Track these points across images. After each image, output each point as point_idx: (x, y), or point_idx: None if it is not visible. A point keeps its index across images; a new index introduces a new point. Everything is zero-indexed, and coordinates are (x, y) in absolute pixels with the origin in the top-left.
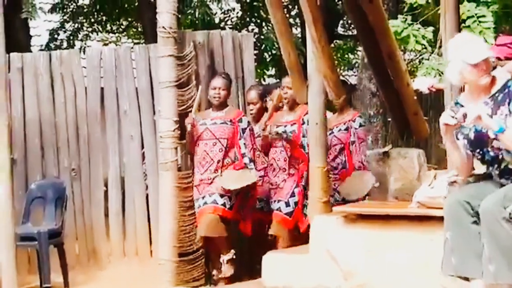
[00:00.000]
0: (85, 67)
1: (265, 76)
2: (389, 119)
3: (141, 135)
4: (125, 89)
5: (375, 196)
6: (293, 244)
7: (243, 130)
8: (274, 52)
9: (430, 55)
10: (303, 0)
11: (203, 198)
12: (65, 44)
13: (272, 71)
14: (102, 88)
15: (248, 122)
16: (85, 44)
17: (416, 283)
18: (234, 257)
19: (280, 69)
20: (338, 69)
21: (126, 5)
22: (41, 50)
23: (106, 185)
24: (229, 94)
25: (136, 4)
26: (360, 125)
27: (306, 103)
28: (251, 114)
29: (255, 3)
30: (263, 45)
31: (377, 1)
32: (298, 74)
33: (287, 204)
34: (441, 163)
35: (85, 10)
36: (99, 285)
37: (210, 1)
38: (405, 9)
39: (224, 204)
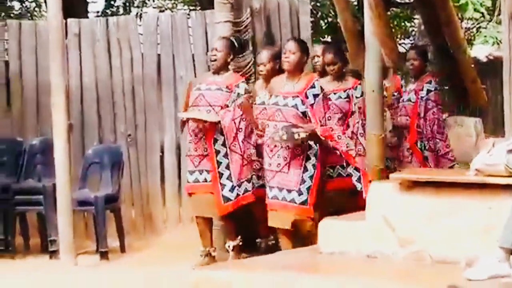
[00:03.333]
0: (141, 34)
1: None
2: (446, 87)
3: None
4: (181, 55)
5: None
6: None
7: (238, 95)
8: (330, 19)
9: (488, 23)
10: None
11: (195, 173)
12: (121, 11)
13: (328, 39)
14: (158, 54)
15: (246, 89)
16: (141, 10)
17: (473, 251)
18: (241, 243)
19: (336, 36)
20: (395, 37)
21: None
22: (97, 16)
23: (162, 150)
24: (228, 56)
25: None
26: (362, 94)
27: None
28: (260, 74)
29: None
30: (319, 13)
31: None
32: (355, 41)
33: (300, 193)
34: (499, 131)
35: None
36: (155, 251)
37: None
38: None
39: None
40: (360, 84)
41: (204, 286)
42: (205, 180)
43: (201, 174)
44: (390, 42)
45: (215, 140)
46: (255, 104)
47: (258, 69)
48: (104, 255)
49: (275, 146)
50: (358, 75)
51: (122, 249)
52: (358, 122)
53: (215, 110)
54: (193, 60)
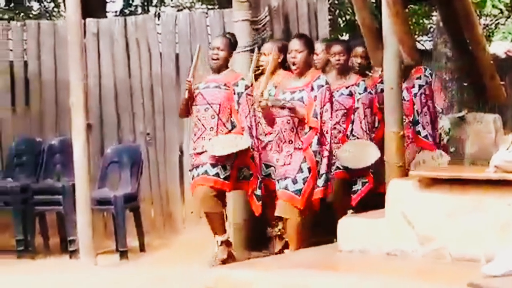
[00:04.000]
0: (159, 33)
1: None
2: (465, 84)
3: None
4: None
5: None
6: (304, 226)
7: (239, 95)
8: (348, 17)
9: (507, 20)
10: None
11: (196, 168)
12: (139, 10)
13: (346, 37)
14: (177, 54)
15: (246, 85)
16: (160, 9)
17: (493, 248)
18: (229, 239)
19: (354, 34)
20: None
21: None
22: (116, 16)
23: (181, 150)
24: (230, 55)
25: None
26: (365, 90)
27: (362, 70)
28: (262, 66)
29: None
30: (337, 11)
31: None
32: (373, 39)
33: (294, 181)
34: None
35: None
36: (175, 250)
37: None
38: None
39: (217, 175)
40: (363, 80)
41: (223, 284)
42: (206, 173)
43: (196, 169)
44: (409, 40)
45: None
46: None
47: (261, 60)
48: (123, 254)
49: (281, 141)
50: (363, 72)
51: (142, 248)
52: (364, 118)
53: (212, 108)
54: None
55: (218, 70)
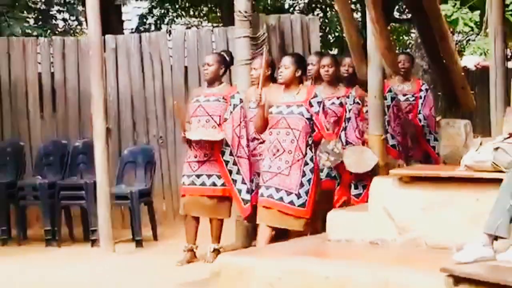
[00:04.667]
0: (171, 48)
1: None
2: (439, 93)
3: None
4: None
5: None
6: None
7: (234, 106)
8: (337, 34)
9: (477, 36)
10: None
11: (192, 176)
12: (153, 28)
13: (335, 51)
14: (185, 66)
15: (241, 99)
16: (171, 27)
17: (463, 238)
18: (221, 249)
19: (342, 49)
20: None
21: None
22: (131, 32)
23: None
24: (220, 69)
25: None
26: (353, 101)
27: (341, 82)
28: (252, 79)
29: None
30: (328, 28)
31: None
32: (359, 53)
33: (299, 196)
34: (486, 132)
35: None
36: (184, 239)
37: None
38: None
39: (213, 184)
40: (351, 93)
41: (227, 270)
42: (203, 184)
43: (198, 178)
44: (390, 54)
45: (223, 153)
46: (249, 108)
47: (251, 74)
48: (139, 243)
49: (278, 151)
50: (351, 81)
51: (155, 237)
52: (357, 127)
53: (213, 119)
54: None
55: (211, 83)
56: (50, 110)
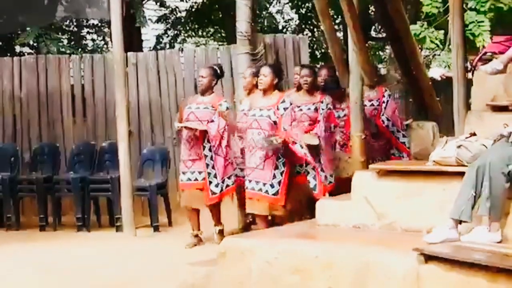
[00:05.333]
0: (183, 63)
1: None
2: (411, 100)
3: None
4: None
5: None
6: (287, 216)
7: (219, 113)
8: (323, 50)
9: (441, 51)
10: (346, 12)
11: (188, 173)
12: (167, 46)
13: (321, 64)
14: (195, 79)
15: (227, 107)
16: (183, 45)
17: (432, 222)
18: (222, 229)
19: (328, 63)
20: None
21: (212, 17)
22: (150, 50)
23: None
24: (213, 81)
25: (220, 15)
26: (326, 106)
27: (319, 90)
28: (244, 86)
29: (309, 14)
30: (315, 45)
31: (402, 10)
32: (342, 66)
33: (272, 186)
34: (450, 132)
35: (182, 21)
36: None
37: (275, 13)
38: (423, 17)
39: (204, 179)
40: (326, 99)
41: (232, 250)
42: (196, 180)
43: (192, 174)
44: (368, 67)
45: (204, 147)
46: (241, 111)
47: (242, 82)
48: (156, 228)
49: (253, 148)
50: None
51: (170, 223)
52: (322, 128)
53: (203, 123)
54: (221, 82)
55: (203, 93)
56: (81, 116)
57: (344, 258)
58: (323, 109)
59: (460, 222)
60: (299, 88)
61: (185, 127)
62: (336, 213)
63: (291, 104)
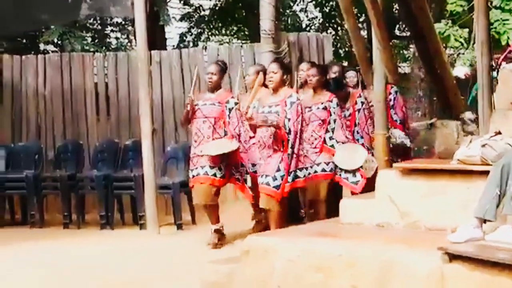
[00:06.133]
0: (206, 61)
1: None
2: (434, 98)
3: None
4: (236, 77)
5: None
6: (282, 213)
7: (229, 110)
8: (347, 49)
9: (466, 50)
10: (370, 10)
11: (196, 169)
12: (191, 44)
13: (345, 63)
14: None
15: (235, 102)
16: (206, 44)
17: (456, 221)
18: (222, 228)
19: (351, 61)
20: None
21: (236, 15)
22: (173, 48)
23: None
24: (221, 78)
25: (244, 14)
26: (337, 105)
27: (329, 89)
28: (247, 84)
29: (333, 12)
30: (339, 44)
31: (426, 9)
32: (366, 64)
33: (274, 178)
34: (475, 131)
35: (206, 19)
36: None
37: (299, 11)
38: (447, 15)
39: (214, 174)
40: (335, 97)
41: (255, 248)
42: (206, 174)
43: (197, 169)
44: (392, 66)
45: None
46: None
47: (245, 80)
48: (179, 226)
49: (263, 147)
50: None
51: (193, 221)
52: (342, 127)
53: (209, 120)
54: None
55: (212, 90)
56: (104, 114)
57: (367, 257)
58: (334, 108)
59: (485, 221)
60: (302, 85)
61: (217, 155)
62: (360, 211)
63: (298, 99)
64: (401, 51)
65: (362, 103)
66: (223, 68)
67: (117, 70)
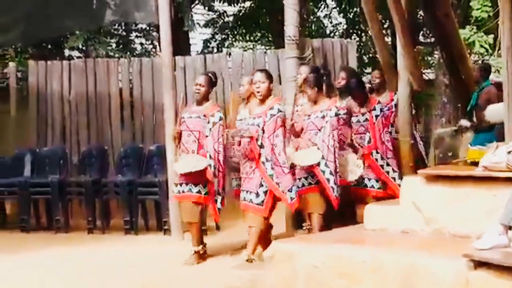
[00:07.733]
0: (230, 67)
1: (364, 73)
2: (459, 104)
3: None
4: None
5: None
6: (265, 232)
7: (213, 124)
8: (371, 55)
9: (491, 56)
10: (395, 16)
11: (181, 185)
12: (215, 50)
13: (369, 70)
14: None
15: (220, 117)
16: (230, 50)
17: (481, 228)
18: (202, 252)
19: (375, 67)
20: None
21: (260, 21)
22: (197, 54)
23: None
24: (210, 91)
25: (268, 20)
26: (336, 114)
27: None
28: (240, 94)
29: (357, 18)
30: (363, 50)
31: (451, 15)
32: (390, 71)
33: (257, 195)
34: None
35: (230, 25)
36: (240, 229)
37: (323, 17)
38: (472, 21)
39: (199, 191)
40: (336, 106)
41: (278, 253)
42: (190, 191)
43: (181, 185)
44: (417, 72)
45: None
46: (236, 120)
47: (239, 90)
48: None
49: (245, 157)
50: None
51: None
52: (329, 136)
53: (194, 134)
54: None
55: (200, 102)
56: (129, 119)
57: (391, 263)
58: (330, 117)
59: (510, 228)
60: (300, 87)
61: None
62: (384, 217)
63: (279, 111)
64: (426, 57)
65: (381, 110)
66: (212, 80)
67: (141, 75)
